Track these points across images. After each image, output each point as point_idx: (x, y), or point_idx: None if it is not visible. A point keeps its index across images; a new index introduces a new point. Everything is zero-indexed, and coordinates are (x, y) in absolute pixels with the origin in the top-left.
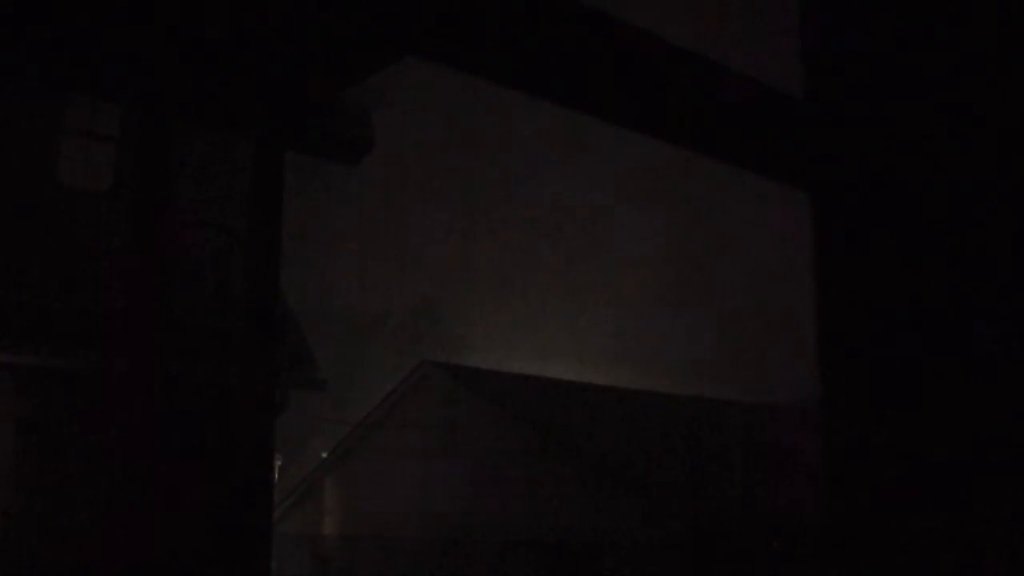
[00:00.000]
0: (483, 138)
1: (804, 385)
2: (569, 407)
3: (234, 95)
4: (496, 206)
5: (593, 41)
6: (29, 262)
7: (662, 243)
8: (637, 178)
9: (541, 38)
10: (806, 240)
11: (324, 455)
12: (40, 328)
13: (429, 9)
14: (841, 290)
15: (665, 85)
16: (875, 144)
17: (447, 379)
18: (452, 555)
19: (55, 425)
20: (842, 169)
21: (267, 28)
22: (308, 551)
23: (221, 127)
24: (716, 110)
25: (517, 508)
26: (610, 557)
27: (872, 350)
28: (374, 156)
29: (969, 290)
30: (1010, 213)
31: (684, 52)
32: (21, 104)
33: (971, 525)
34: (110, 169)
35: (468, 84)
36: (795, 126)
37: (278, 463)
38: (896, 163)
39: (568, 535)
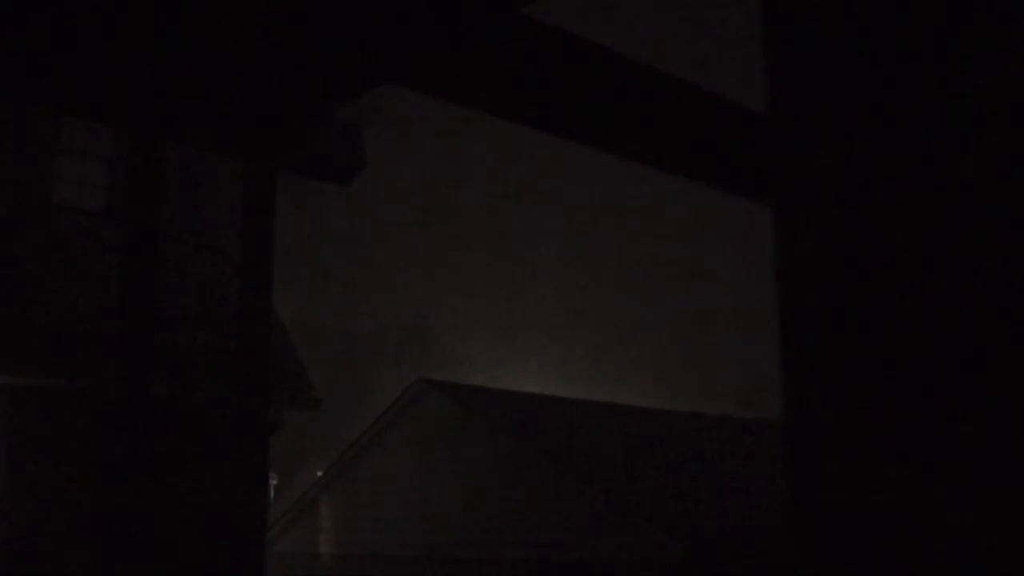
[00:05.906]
0: (475, 156)
1: None
2: (564, 424)
3: (226, 115)
4: (489, 224)
5: (554, 59)
6: (23, 282)
7: (655, 260)
8: (631, 195)
9: (502, 57)
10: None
11: (319, 474)
12: (33, 348)
13: (414, 37)
14: (806, 306)
15: (625, 101)
16: (840, 158)
17: (441, 397)
18: (448, 573)
19: (49, 446)
20: (806, 183)
21: (258, 48)
22: (304, 570)
23: (213, 147)
24: (677, 125)
25: (513, 525)
26: (607, 575)
27: (838, 366)
28: (367, 174)
29: (939, 306)
30: (981, 227)
31: (645, 67)
32: (16, 125)
33: (946, 542)
34: (104, 189)
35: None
36: (758, 140)
37: (273, 482)
38: (862, 177)
39: (565, 553)
